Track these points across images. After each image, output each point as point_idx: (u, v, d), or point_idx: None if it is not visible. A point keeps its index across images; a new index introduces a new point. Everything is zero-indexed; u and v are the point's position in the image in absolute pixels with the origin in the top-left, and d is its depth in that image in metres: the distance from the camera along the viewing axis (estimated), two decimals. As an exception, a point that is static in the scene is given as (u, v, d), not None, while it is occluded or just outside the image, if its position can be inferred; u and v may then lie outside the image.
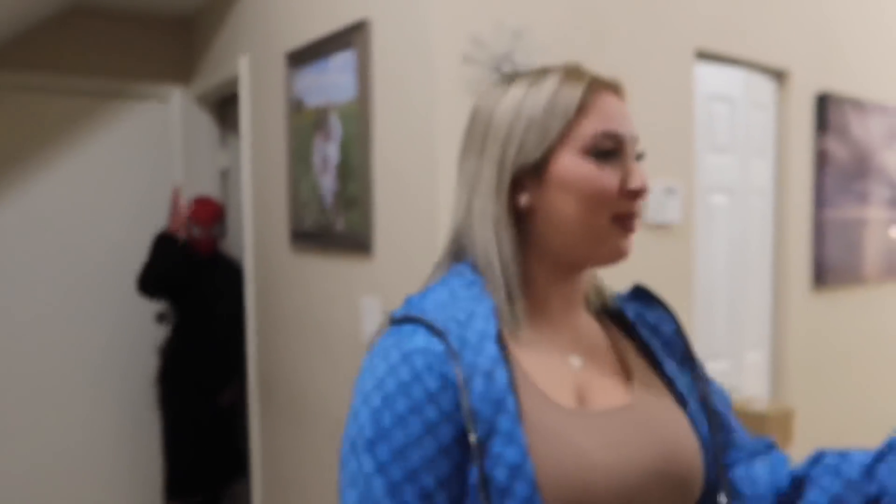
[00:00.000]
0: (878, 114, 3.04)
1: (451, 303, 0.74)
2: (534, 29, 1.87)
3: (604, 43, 2.06)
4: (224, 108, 3.31)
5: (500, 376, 0.69)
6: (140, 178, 3.23)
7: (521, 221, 0.78)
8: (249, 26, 2.69)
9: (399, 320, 0.74)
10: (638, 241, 2.42)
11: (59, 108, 3.07)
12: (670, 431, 0.77)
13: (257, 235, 2.70)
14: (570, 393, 0.76)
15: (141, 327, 3.21)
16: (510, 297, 0.75)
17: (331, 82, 2.09)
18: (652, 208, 2.16)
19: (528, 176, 0.76)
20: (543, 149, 0.75)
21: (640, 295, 0.91)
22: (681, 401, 0.83)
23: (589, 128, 0.75)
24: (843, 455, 0.80)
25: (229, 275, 3.07)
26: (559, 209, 0.76)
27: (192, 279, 2.99)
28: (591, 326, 0.85)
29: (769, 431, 1.84)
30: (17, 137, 3.00)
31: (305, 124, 2.25)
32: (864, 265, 3.04)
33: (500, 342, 0.72)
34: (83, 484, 3.10)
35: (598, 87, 0.77)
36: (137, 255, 3.08)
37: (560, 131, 0.75)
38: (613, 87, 0.79)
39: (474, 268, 0.78)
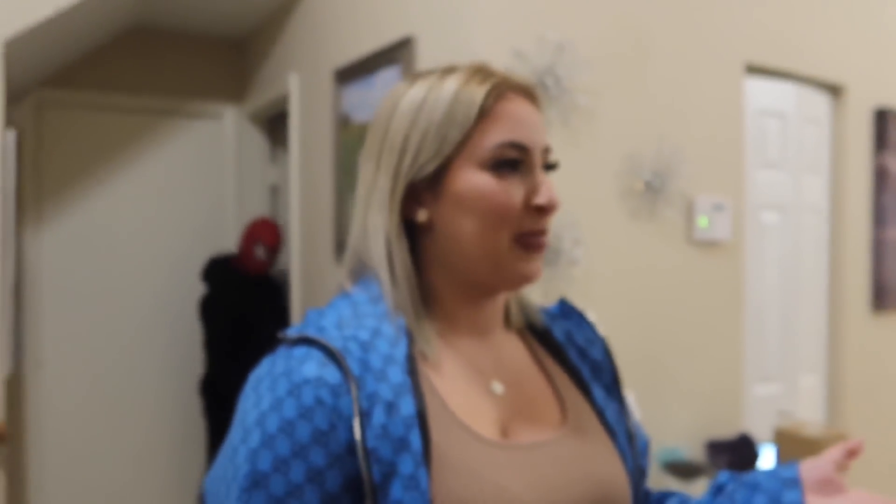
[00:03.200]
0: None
1: (353, 319, 0.66)
2: (577, 43, 1.87)
3: (649, 57, 2.04)
4: (274, 125, 3.40)
5: (406, 407, 0.61)
6: (193, 194, 3.33)
7: (421, 237, 0.70)
8: (299, 45, 2.77)
9: (292, 341, 0.64)
10: (685, 258, 2.37)
11: (117, 126, 3.20)
12: (601, 466, 0.71)
13: (304, 248, 2.75)
14: (491, 423, 0.68)
15: (193, 333, 3.30)
16: (414, 317, 0.68)
17: (377, 98, 2.13)
18: (699, 224, 2.11)
19: (425, 189, 0.69)
20: (439, 160, 0.67)
21: (568, 312, 0.83)
22: (609, 431, 0.76)
23: (491, 137, 0.67)
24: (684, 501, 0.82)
25: (277, 295, 3.09)
26: (456, 227, 0.68)
27: (244, 300, 3.01)
28: (514, 348, 0.77)
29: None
30: (78, 153, 3.14)
31: (352, 139, 2.29)
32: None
33: (412, 366, 0.64)
34: (142, 451, 3.19)
35: (504, 90, 0.69)
36: (190, 264, 3.17)
37: (457, 141, 0.67)
38: (524, 91, 0.71)
39: (380, 283, 0.70)
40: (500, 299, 0.75)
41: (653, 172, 2.02)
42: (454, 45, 1.83)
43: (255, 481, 0.59)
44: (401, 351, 0.64)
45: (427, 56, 1.92)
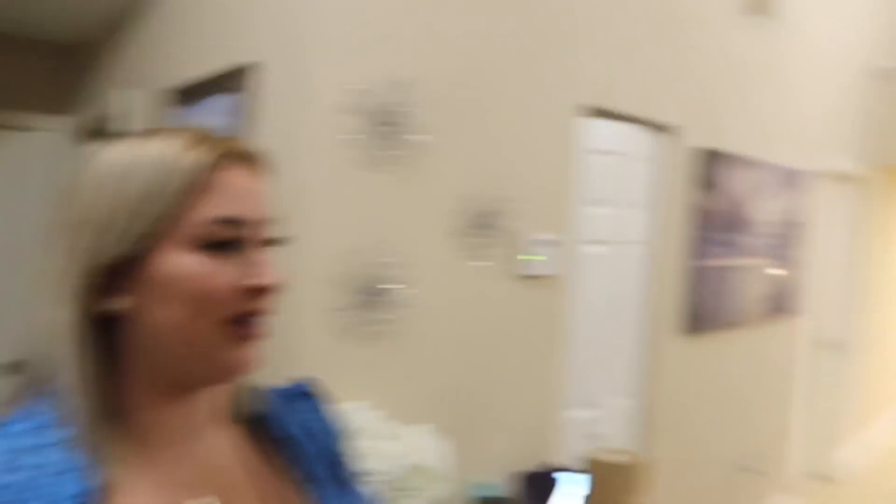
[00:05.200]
0: (750, 168, 3.28)
1: (6, 464, 0.54)
2: (422, 81, 1.89)
3: (490, 97, 2.10)
4: (104, 141, 3.17)
5: None
6: (14, 211, 3.02)
7: (117, 331, 0.60)
8: (133, 61, 2.62)
9: None
10: (513, 293, 2.42)
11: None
12: None
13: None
14: None
15: None
16: (94, 436, 0.57)
17: (210, 124, 2.05)
18: (528, 261, 2.20)
19: (122, 274, 0.59)
20: (135, 239, 0.58)
21: (307, 395, 0.77)
22: None
23: (202, 212, 0.59)
24: None
25: None
26: (160, 317, 0.59)
27: None
28: (231, 447, 0.68)
29: (628, 482, 1.89)
30: None
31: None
32: (735, 312, 3.23)
33: (84, 501, 0.55)
34: None
35: (220, 158, 0.61)
36: (12, 281, 2.84)
37: (160, 218, 0.58)
38: (244, 158, 0.63)
39: (56, 402, 0.59)
40: (214, 395, 0.67)
41: (485, 211, 2.09)
42: (297, 76, 1.79)
43: None
44: (70, 490, 0.54)
45: (271, 85, 1.86)
